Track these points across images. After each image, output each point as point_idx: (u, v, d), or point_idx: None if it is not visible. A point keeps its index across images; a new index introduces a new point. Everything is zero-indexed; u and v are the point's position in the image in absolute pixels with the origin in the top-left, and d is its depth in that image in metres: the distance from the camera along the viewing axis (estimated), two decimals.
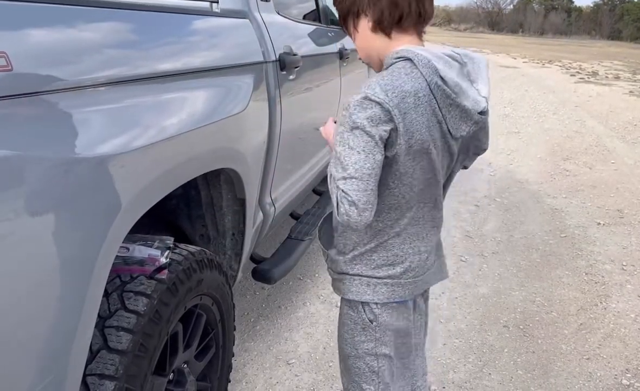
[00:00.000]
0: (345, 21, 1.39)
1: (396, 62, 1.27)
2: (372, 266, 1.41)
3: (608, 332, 2.91)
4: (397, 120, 1.20)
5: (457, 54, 1.33)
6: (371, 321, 1.45)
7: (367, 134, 1.19)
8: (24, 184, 0.96)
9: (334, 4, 1.43)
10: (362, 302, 1.44)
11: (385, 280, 1.41)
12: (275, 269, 2.38)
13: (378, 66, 1.38)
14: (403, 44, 1.30)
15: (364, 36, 1.35)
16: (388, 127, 1.20)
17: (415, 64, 1.24)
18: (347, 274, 1.45)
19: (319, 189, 3.38)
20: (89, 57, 1.18)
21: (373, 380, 1.49)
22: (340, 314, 1.53)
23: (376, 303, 1.43)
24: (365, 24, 1.33)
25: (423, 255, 1.44)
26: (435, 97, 1.24)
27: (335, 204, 1.25)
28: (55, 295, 1.05)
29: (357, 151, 1.20)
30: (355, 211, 1.20)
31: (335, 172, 1.23)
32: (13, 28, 0.99)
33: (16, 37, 0.99)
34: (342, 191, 1.21)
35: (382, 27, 1.31)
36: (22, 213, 0.96)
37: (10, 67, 0.93)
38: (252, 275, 2.38)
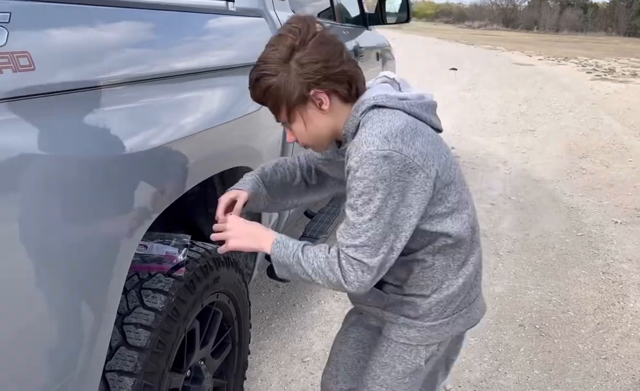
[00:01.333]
0: (290, 113, 1.24)
1: (362, 116, 1.23)
2: (457, 301, 1.37)
3: (626, 332, 2.88)
4: (420, 162, 1.17)
5: (383, 76, 1.34)
6: (426, 362, 1.42)
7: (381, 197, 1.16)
8: (46, 182, 0.97)
9: (268, 102, 1.25)
10: (426, 345, 1.40)
11: (464, 310, 1.40)
12: None
13: (327, 142, 1.32)
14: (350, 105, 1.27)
15: (315, 119, 1.25)
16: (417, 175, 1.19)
17: (382, 105, 1.22)
18: (429, 318, 1.36)
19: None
20: (109, 57, 1.19)
21: None
22: (380, 355, 1.44)
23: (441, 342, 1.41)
24: (316, 107, 1.23)
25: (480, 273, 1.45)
26: (414, 113, 1.24)
27: (317, 271, 1.21)
28: (77, 292, 1.06)
29: (370, 218, 1.16)
30: (366, 277, 1.18)
31: (343, 239, 1.19)
32: (35, 28, 1.00)
33: (38, 38, 1.00)
34: (351, 259, 1.17)
35: (349, 98, 1.26)
36: (42, 210, 0.97)
37: (33, 67, 0.94)
38: (267, 273, 2.39)
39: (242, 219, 1.35)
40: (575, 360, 2.63)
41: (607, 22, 39.38)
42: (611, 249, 3.88)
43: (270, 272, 2.35)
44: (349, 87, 1.25)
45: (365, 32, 3.95)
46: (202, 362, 1.68)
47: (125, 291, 1.37)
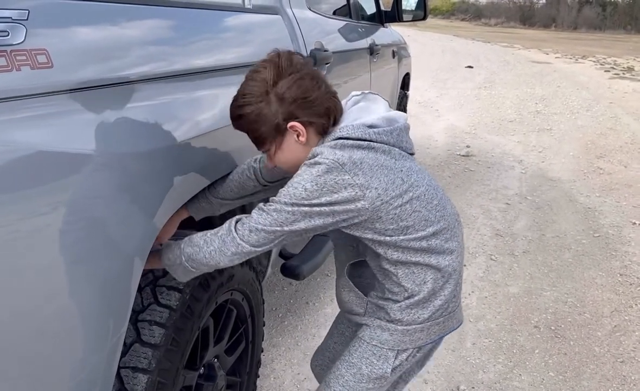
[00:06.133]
0: (264, 143, 1.31)
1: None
2: (432, 309, 1.37)
3: None
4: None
5: (353, 97, 1.39)
6: (392, 371, 1.41)
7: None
8: (63, 179, 0.97)
9: (249, 132, 1.32)
10: (398, 350, 1.40)
11: (440, 319, 1.40)
12: (303, 266, 2.38)
13: (297, 168, 1.33)
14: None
15: (294, 148, 1.30)
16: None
17: (347, 137, 1.25)
18: (401, 322, 1.38)
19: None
20: (126, 54, 1.19)
21: None
22: (349, 354, 1.46)
23: (419, 348, 1.42)
24: (294, 139, 1.29)
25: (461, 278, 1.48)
26: (380, 142, 1.26)
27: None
28: (92, 288, 1.07)
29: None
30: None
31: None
32: (53, 26, 1.00)
33: (56, 35, 1.00)
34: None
35: (326, 130, 1.30)
36: (60, 207, 0.97)
37: (50, 64, 0.95)
38: (280, 271, 2.39)
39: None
40: (591, 362, 2.60)
41: (626, 20, 38.78)
42: (629, 251, 3.82)
43: (284, 270, 2.36)
44: (327, 120, 1.30)
45: (381, 29, 3.93)
46: (215, 360, 1.68)
47: (140, 288, 1.38)
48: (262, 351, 2.05)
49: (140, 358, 1.31)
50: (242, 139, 1.67)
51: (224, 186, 1.56)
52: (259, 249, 1.24)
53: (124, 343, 1.25)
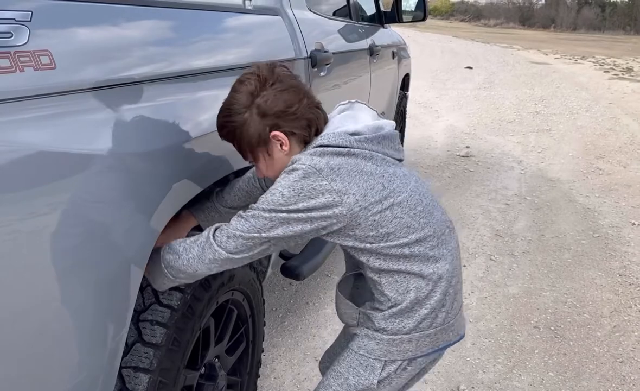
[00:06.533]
0: (249, 154, 1.34)
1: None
2: (418, 318, 1.35)
3: None
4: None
5: (340, 106, 1.42)
6: (379, 383, 1.39)
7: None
8: (66, 180, 0.98)
9: (234, 143, 1.35)
10: (386, 361, 1.38)
11: (430, 330, 1.37)
12: (304, 266, 2.38)
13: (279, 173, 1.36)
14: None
15: (277, 158, 1.33)
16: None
17: (327, 144, 1.28)
18: (386, 331, 1.36)
19: None
20: (128, 55, 1.20)
21: None
22: (338, 363, 1.45)
23: (409, 360, 1.39)
24: (277, 148, 1.31)
25: (460, 286, 1.47)
26: (363, 150, 1.27)
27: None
28: (95, 288, 1.07)
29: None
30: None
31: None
32: (56, 27, 1.01)
33: (59, 36, 1.01)
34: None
35: (308, 139, 1.32)
36: (62, 208, 0.98)
37: (54, 66, 0.95)
38: (280, 271, 2.39)
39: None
40: (590, 362, 2.60)
41: (625, 21, 38.82)
42: (628, 251, 3.83)
43: (284, 270, 2.37)
44: (309, 130, 1.32)
45: (381, 30, 3.93)
46: (216, 359, 1.69)
47: (141, 288, 1.38)
48: (263, 351, 2.05)
49: (142, 358, 1.31)
50: None
51: (231, 195, 1.57)
52: (237, 256, 1.24)
53: (126, 343, 1.26)
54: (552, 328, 2.87)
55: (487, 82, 11.98)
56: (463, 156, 6.07)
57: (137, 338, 1.33)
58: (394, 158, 1.34)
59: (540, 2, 47.36)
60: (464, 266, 3.46)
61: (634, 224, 4.32)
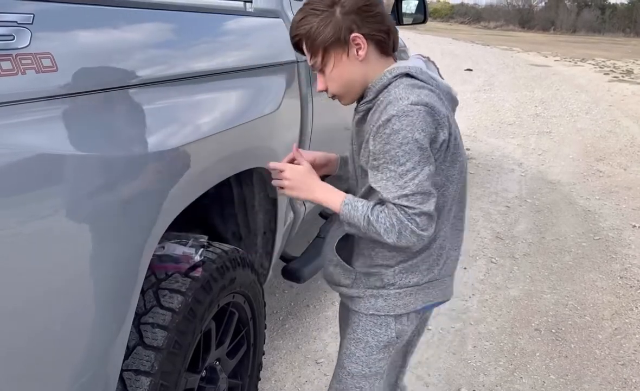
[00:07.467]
0: (326, 53, 1.29)
1: (394, 80, 1.28)
2: (419, 272, 1.39)
3: None
4: (444, 122, 1.23)
5: (420, 55, 1.41)
6: (397, 338, 1.43)
7: (421, 146, 1.20)
8: (66, 182, 0.98)
9: (308, 40, 1.30)
10: (396, 316, 1.41)
11: (429, 284, 1.40)
12: (305, 268, 2.38)
13: (356, 94, 1.35)
14: (389, 64, 1.32)
15: (350, 65, 1.30)
16: (442, 133, 1.24)
17: (414, 76, 1.27)
18: (394, 286, 1.38)
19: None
20: (129, 58, 1.20)
21: None
22: (353, 331, 1.46)
23: (414, 312, 1.42)
24: (353, 53, 1.29)
25: (457, 252, 1.48)
26: (441, 97, 1.28)
27: (390, 229, 1.23)
28: (96, 291, 1.07)
29: (414, 166, 1.20)
30: (430, 225, 1.23)
31: (390, 193, 1.22)
32: (58, 30, 1.01)
33: (61, 39, 1.01)
34: (406, 209, 1.21)
35: (385, 50, 1.32)
36: (61, 211, 0.98)
37: (55, 68, 0.95)
38: (281, 274, 2.39)
39: (302, 169, 1.38)
40: (592, 365, 2.60)
41: (625, 23, 38.83)
42: (629, 254, 3.83)
43: (285, 273, 2.36)
44: (387, 37, 1.31)
45: None
46: (217, 362, 1.68)
47: (143, 291, 1.38)
48: (264, 354, 2.05)
49: (143, 361, 1.31)
50: (243, 143, 1.68)
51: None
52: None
53: (127, 346, 1.25)
54: (553, 330, 2.87)
55: (487, 85, 11.98)
56: None
57: (138, 341, 1.33)
58: None
59: (540, 5, 47.41)
60: (465, 268, 3.46)
61: (634, 226, 4.31)
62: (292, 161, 1.44)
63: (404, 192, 1.20)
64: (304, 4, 1.30)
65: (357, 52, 1.28)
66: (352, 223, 1.29)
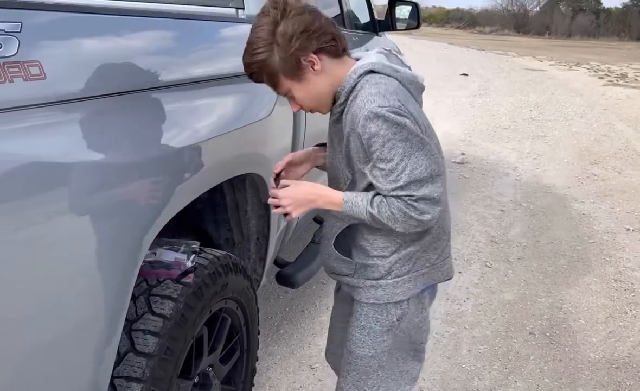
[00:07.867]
0: (283, 85, 1.34)
1: (360, 79, 1.32)
2: (414, 260, 1.46)
3: (638, 340, 2.85)
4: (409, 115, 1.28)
5: (383, 48, 1.45)
6: (398, 321, 1.49)
7: (403, 138, 1.26)
8: (56, 189, 0.98)
9: (264, 78, 1.34)
10: (395, 303, 1.47)
11: (424, 270, 1.48)
12: (298, 274, 2.39)
13: (330, 101, 1.39)
14: (349, 64, 1.38)
15: (312, 82, 1.34)
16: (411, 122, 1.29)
17: (378, 71, 1.31)
18: (391, 276, 1.46)
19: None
20: (119, 66, 1.20)
21: (378, 374, 1.54)
22: (357, 320, 1.53)
23: (409, 299, 1.48)
24: (310, 71, 1.32)
25: (448, 237, 1.54)
26: (405, 86, 1.34)
27: (392, 219, 1.30)
28: (86, 298, 1.07)
29: (401, 159, 1.26)
30: (431, 207, 1.29)
31: (386, 188, 1.29)
32: (46, 37, 1.01)
33: (49, 47, 1.01)
34: (403, 198, 1.27)
35: (337, 54, 1.36)
36: (53, 217, 0.98)
37: (43, 76, 0.96)
38: (275, 279, 2.39)
39: (293, 188, 1.43)
40: (586, 368, 2.61)
41: (619, 28, 39.02)
42: (623, 257, 3.84)
43: (279, 278, 2.37)
44: (335, 42, 1.34)
45: (376, 38, 3.95)
46: (210, 368, 1.68)
47: (134, 298, 1.38)
48: (258, 360, 2.05)
49: (134, 368, 1.30)
50: (236, 149, 1.68)
51: None
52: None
53: (118, 353, 1.25)
54: (548, 334, 2.87)
55: (483, 89, 12.02)
56: (458, 163, 6.08)
57: (129, 347, 1.33)
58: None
59: (535, 9, 47.62)
60: (460, 272, 3.46)
61: (628, 229, 4.33)
62: (278, 175, 1.52)
63: (398, 185, 1.27)
64: (246, 46, 1.32)
65: (313, 68, 1.32)
66: (357, 218, 1.37)
